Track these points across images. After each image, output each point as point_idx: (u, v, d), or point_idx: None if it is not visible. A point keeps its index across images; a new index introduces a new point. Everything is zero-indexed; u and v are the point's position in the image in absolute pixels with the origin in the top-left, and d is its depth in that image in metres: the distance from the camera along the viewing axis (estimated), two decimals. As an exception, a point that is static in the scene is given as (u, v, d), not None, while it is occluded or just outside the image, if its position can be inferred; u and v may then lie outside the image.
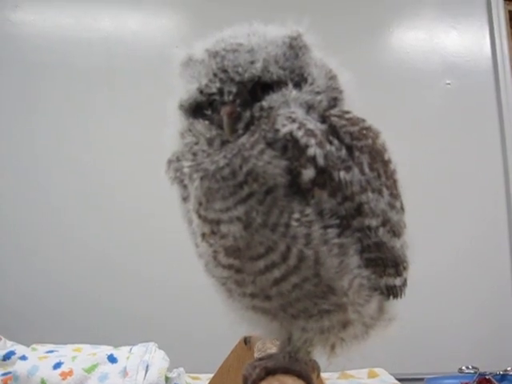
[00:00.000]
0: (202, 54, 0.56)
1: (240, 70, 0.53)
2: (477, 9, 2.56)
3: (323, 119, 0.53)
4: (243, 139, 0.51)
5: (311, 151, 0.49)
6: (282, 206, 0.49)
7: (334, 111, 0.55)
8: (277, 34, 0.56)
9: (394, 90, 2.20)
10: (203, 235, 0.53)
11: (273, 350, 0.71)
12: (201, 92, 0.54)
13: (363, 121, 0.55)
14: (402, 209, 0.57)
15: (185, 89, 0.58)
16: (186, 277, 1.82)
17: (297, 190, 0.49)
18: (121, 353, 1.08)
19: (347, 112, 0.55)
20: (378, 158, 0.54)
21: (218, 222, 0.51)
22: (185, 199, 0.56)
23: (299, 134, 0.49)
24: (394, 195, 0.55)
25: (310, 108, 0.53)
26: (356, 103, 0.58)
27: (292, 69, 0.55)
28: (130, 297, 1.92)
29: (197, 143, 0.54)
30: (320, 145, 0.50)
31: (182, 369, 1.10)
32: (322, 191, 0.50)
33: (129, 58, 2.15)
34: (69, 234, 1.98)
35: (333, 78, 0.57)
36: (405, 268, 0.57)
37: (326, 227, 0.50)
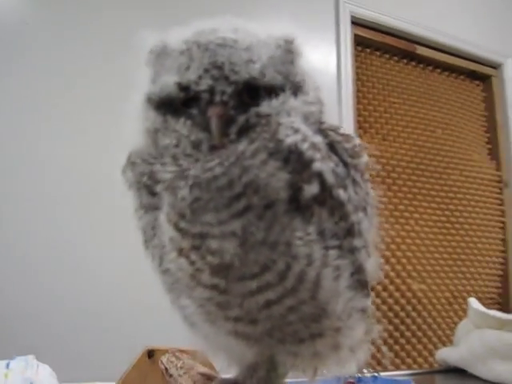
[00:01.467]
0: (181, 44, 0.49)
1: (236, 68, 0.47)
2: (327, 28, 2.69)
3: (319, 133, 0.50)
4: (241, 146, 0.45)
5: (317, 166, 0.46)
6: (283, 223, 0.45)
7: (327, 125, 0.52)
8: (268, 35, 0.52)
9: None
10: (180, 250, 0.47)
11: (201, 368, 0.67)
12: (182, 87, 0.48)
13: (354, 138, 0.53)
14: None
15: (153, 80, 0.51)
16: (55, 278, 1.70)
17: (295, 206, 0.45)
18: (-4, 369, 0.92)
19: (339, 127, 0.53)
20: (365, 177, 0.53)
21: (204, 237, 0.45)
22: (148, 208, 0.50)
23: (304, 146, 0.46)
24: (374, 215, 0.54)
25: (306, 120, 0.50)
26: (332, 118, 0.56)
27: (287, 75, 0.51)
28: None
29: (177, 145, 0.48)
30: (324, 160, 0.47)
31: (71, 384, 0.97)
32: (322, 209, 0.47)
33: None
34: None
35: (317, 89, 0.55)
36: (371, 289, 0.56)
37: (327, 248, 0.47)
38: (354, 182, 0.50)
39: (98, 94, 1.92)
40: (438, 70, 3.09)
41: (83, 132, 1.88)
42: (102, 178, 1.82)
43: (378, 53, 2.91)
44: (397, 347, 2.62)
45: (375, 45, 2.88)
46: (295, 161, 0.45)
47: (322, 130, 0.50)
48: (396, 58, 2.95)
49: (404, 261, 2.72)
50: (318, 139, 0.48)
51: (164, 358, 0.77)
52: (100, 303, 1.76)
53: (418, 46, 2.96)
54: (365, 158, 0.53)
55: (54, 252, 1.77)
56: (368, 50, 2.88)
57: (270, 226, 0.45)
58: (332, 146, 0.50)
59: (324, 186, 0.46)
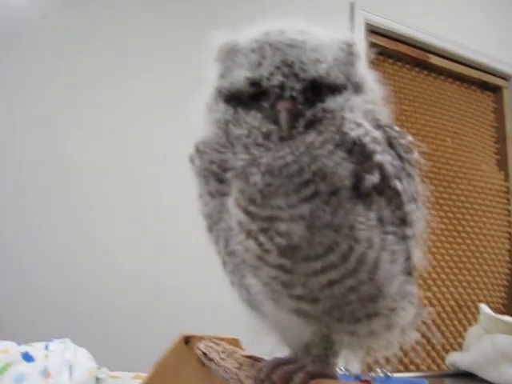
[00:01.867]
0: (252, 43, 0.54)
1: (305, 67, 0.52)
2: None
3: (378, 129, 0.53)
4: (310, 138, 0.49)
5: (378, 158, 0.50)
6: (347, 209, 0.48)
7: (383, 122, 0.55)
8: (331, 38, 0.56)
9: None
10: (249, 232, 0.50)
11: (244, 352, 0.69)
12: (252, 82, 0.53)
13: (407, 135, 0.57)
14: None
15: (223, 75, 0.56)
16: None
17: (357, 194, 0.49)
18: (36, 350, 0.94)
19: (393, 124, 0.56)
20: (416, 172, 0.56)
21: (273, 220, 0.48)
22: (215, 194, 0.54)
23: (366, 139, 0.50)
24: (423, 208, 0.57)
25: (365, 116, 0.54)
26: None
27: (348, 75, 0.55)
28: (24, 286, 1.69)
29: (248, 136, 0.52)
30: (384, 153, 0.51)
31: (105, 368, 0.99)
32: (381, 198, 0.50)
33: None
34: None
35: (373, 90, 0.58)
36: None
37: (385, 233, 0.50)
38: (408, 175, 0.54)
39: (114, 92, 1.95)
40: (450, 80, 3.12)
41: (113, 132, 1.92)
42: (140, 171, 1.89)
43: (390, 60, 2.94)
44: (400, 353, 2.63)
45: (388, 52, 2.91)
46: (359, 152, 0.49)
47: (379, 126, 0.54)
48: (408, 66, 2.98)
49: (410, 267, 2.74)
50: (378, 134, 0.52)
51: (201, 344, 0.79)
52: (138, 293, 1.79)
53: (430, 55, 2.99)
54: (416, 154, 0.56)
55: (92, 240, 1.81)
56: (381, 58, 2.91)
57: (335, 211, 0.48)
58: (389, 141, 0.53)
59: (383, 177, 0.50)
